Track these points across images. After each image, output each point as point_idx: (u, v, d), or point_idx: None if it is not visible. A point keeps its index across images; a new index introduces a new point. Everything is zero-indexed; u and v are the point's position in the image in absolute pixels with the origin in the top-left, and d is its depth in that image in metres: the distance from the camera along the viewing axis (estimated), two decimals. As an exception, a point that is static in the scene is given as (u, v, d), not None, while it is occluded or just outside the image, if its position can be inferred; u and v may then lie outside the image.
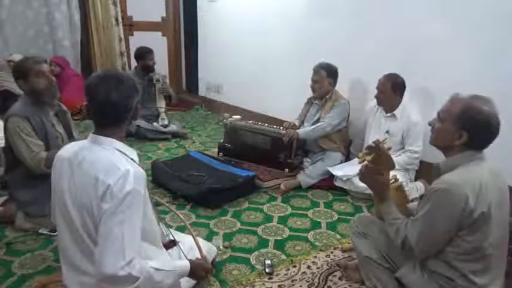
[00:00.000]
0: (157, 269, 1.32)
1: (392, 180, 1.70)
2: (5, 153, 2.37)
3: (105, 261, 1.20)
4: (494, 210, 1.39)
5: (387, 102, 2.92)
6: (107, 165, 1.27)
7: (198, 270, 1.54)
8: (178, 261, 1.54)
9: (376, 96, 2.94)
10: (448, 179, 1.41)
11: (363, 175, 1.65)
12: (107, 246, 1.22)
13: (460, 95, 1.49)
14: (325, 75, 3.12)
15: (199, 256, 1.66)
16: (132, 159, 1.36)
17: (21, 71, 2.24)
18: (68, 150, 1.39)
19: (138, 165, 1.37)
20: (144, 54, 4.32)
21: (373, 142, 1.55)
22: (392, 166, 1.61)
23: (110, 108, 1.32)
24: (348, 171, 2.92)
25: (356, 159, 2.99)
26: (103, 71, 1.44)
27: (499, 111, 1.42)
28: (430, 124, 1.57)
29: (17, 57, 4.32)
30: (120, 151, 1.34)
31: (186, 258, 1.56)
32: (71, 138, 2.44)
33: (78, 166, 1.31)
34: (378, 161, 1.56)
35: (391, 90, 2.84)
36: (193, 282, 1.69)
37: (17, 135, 2.18)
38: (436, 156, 1.77)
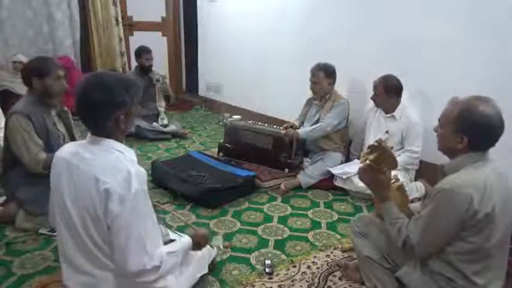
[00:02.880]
0: (169, 253, 1.40)
1: (393, 180, 1.70)
2: (4, 152, 2.35)
3: (131, 261, 1.26)
4: (498, 211, 1.38)
5: (383, 104, 2.92)
6: (106, 165, 1.27)
7: (199, 239, 1.65)
8: (180, 239, 1.61)
9: (372, 99, 2.94)
10: (452, 180, 1.41)
11: (363, 174, 1.65)
12: (129, 247, 1.25)
13: (458, 98, 1.49)
14: (324, 76, 3.12)
15: (196, 255, 1.70)
16: (131, 159, 1.36)
17: (41, 70, 2.22)
18: (66, 150, 1.39)
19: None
20: (140, 53, 4.33)
21: (376, 141, 1.55)
22: (395, 165, 1.61)
23: (84, 113, 1.32)
24: (348, 170, 2.92)
25: (356, 160, 3.01)
26: (95, 72, 1.43)
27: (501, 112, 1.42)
28: (434, 130, 1.58)
29: (21, 57, 4.33)
30: (119, 151, 1.34)
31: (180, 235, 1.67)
32: (73, 138, 2.44)
33: (77, 167, 1.31)
34: (381, 160, 1.56)
35: (385, 93, 2.84)
36: (194, 281, 1.69)
37: (18, 134, 2.18)
38: (436, 157, 1.77)
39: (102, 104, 1.28)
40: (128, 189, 1.23)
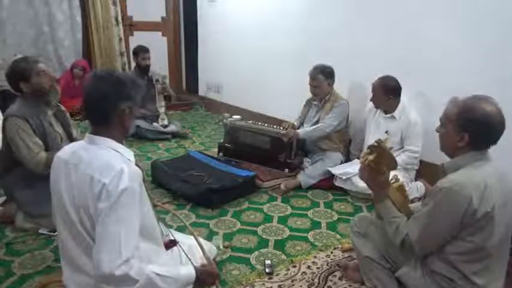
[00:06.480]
0: (159, 275, 1.26)
1: (393, 180, 1.70)
2: (1, 155, 2.33)
3: (102, 260, 1.18)
4: (498, 211, 1.39)
5: (381, 105, 2.92)
6: (102, 164, 1.27)
7: (206, 277, 1.46)
8: (183, 267, 1.46)
9: (371, 100, 2.94)
10: (452, 179, 1.41)
11: (362, 174, 1.65)
12: (103, 245, 1.20)
13: (458, 98, 1.49)
14: (324, 79, 3.12)
15: (198, 255, 1.63)
16: (128, 159, 1.36)
17: (21, 72, 2.20)
18: (66, 151, 1.40)
19: (137, 165, 1.37)
20: (137, 52, 4.33)
21: (375, 141, 1.55)
22: (394, 165, 1.61)
23: (92, 103, 1.34)
24: (348, 170, 2.92)
25: (356, 160, 3.01)
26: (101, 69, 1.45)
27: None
28: (436, 131, 1.58)
29: None
30: (116, 151, 1.34)
31: (190, 261, 1.50)
32: (71, 138, 2.44)
33: (75, 166, 1.31)
34: (380, 160, 1.56)
35: (383, 94, 2.84)
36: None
37: (17, 136, 2.17)
38: (436, 157, 1.76)
39: (112, 93, 1.32)
40: (116, 186, 1.22)
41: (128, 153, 1.39)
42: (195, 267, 1.44)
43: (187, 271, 1.40)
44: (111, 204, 1.21)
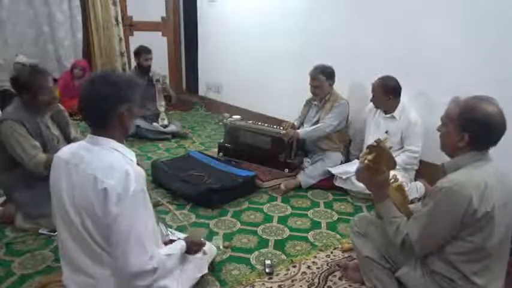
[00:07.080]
0: (167, 255, 1.40)
1: (392, 180, 1.70)
2: (0, 155, 2.31)
3: (131, 260, 1.25)
4: (498, 210, 1.39)
5: (381, 105, 2.92)
6: (105, 165, 1.28)
7: (193, 246, 1.63)
8: (176, 243, 1.60)
9: (371, 100, 2.94)
10: (452, 178, 1.41)
11: (360, 174, 1.65)
12: (129, 246, 1.25)
13: (459, 98, 1.49)
14: (325, 79, 3.12)
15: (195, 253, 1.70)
16: (131, 160, 1.37)
17: (29, 85, 2.19)
18: (66, 151, 1.40)
19: (138, 164, 1.38)
20: (140, 53, 4.32)
21: (375, 141, 1.55)
22: (393, 165, 1.61)
23: (89, 107, 1.34)
24: (348, 169, 2.92)
25: (356, 160, 3.01)
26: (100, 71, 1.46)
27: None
28: (438, 130, 1.58)
29: (22, 59, 4.31)
30: (118, 151, 1.34)
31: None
32: (68, 139, 2.43)
33: (76, 166, 1.32)
34: (379, 160, 1.56)
35: (383, 94, 2.84)
36: (194, 281, 1.69)
37: (13, 139, 2.17)
38: (436, 157, 1.76)
39: (109, 97, 1.31)
40: (126, 189, 1.24)
41: (130, 154, 1.39)
42: (183, 239, 1.61)
43: (180, 243, 1.56)
44: (125, 207, 1.24)
